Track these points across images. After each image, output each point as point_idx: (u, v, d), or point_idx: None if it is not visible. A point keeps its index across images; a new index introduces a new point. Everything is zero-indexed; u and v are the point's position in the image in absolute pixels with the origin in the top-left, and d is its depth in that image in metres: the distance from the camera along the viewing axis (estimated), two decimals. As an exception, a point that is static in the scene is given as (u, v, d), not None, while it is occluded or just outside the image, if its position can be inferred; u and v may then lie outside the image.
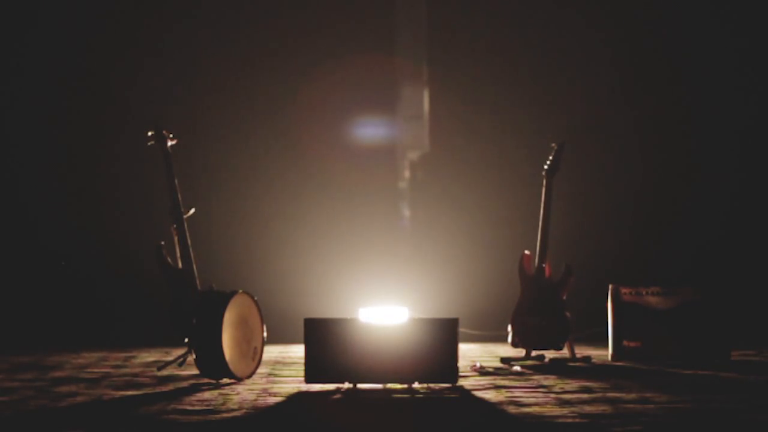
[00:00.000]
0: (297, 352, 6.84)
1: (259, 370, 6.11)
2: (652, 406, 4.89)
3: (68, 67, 8.49)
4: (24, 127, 8.50)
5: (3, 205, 8.46)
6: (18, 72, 8.50)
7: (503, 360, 6.64)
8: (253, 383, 5.83)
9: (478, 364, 6.44)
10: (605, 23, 8.50)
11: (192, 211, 6.14)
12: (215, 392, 5.51)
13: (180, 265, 6.03)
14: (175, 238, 6.06)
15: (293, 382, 5.85)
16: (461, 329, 5.82)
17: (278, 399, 5.29)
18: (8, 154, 8.50)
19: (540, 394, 5.30)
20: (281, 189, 8.50)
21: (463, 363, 6.04)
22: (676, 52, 8.48)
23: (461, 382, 5.68)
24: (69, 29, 8.47)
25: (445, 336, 5.55)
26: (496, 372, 6.24)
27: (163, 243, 6.06)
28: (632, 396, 5.18)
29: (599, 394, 5.24)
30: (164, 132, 6.18)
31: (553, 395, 5.26)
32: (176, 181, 6.12)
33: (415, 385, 5.52)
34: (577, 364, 6.58)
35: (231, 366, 5.79)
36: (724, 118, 8.46)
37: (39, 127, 8.49)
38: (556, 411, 4.77)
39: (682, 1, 8.46)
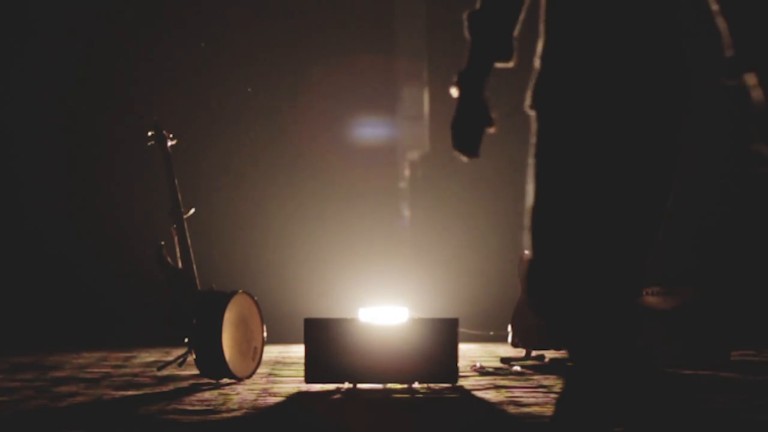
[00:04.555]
0: (297, 352, 6.84)
1: (259, 370, 6.11)
2: (652, 406, 4.88)
3: (68, 67, 8.49)
4: (24, 127, 8.50)
5: (3, 205, 8.46)
6: (17, 72, 8.50)
7: (503, 360, 6.64)
8: (253, 383, 5.83)
9: (478, 364, 6.44)
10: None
11: (192, 211, 6.14)
12: (215, 392, 5.51)
13: (180, 265, 6.03)
14: (175, 238, 6.06)
15: (293, 382, 5.85)
16: (461, 329, 5.81)
17: (278, 399, 5.29)
18: (8, 154, 8.50)
19: (540, 394, 5.30)
20: (281, 189, 8.51)
21: (463, 363, 6.04)
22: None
23: (461, 382, 5.68)
24: (69, 29, 8.47)
25: (445, 336, 5.55)
26: (496, 372, 6.24)
27: (163, 243, 6.06)
28: (632, 396, 5.18)
29: (599, 394, 5.23)
30: (164, 132, 6.18)
31: (553, 395, 5.26)
32: (176, 181, 6.12)
33: (415, 385, 5.52)
34: (577, 364, 6.57)
35: (231, 366, 5.79)
36: (724, 117, 8.45)
37: (39, 127, 8.49)
38: (556, 411, 4.76)
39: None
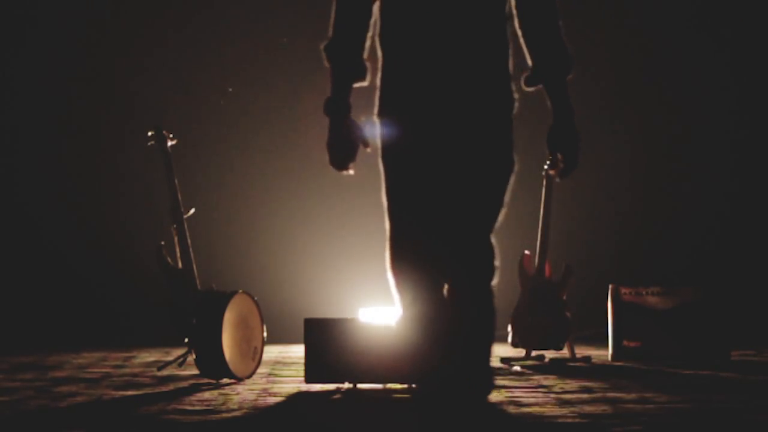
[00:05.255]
0: (297, 352, 6.84)
1: (259, 370, 6.11)
2: (652, 406, 4.89)
3: (69, 67, 8.50)
4: (24, 126, 8.51)
5: (3, 205, 8.46)
6: (19, 72, 8.51)
7: (503, 360, 6.64)
8: (253, 383, 5.83)
9: (478, 364, 6.43)
10: (603, 25, 8.50)
11: (192, 211, 6.14)
12: (215, 392, 5.51)
13: (180, 265, 6.03)
14: (175, 238, 6.06)
15: (293, 382, 5.85)
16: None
17: (278, 399, 5.29)
18: (8, 154, 8.51)
19: (540, 394, 5.30)
20: (281, 189, 8.51)
21: (463, 363, 6.03)
22: (678, 49, 8.49)
23: (461, 382, 5.67)
24: (70, 29, 8.47)
25: (445, 336, 5.54)
26: (496, 372, 6.23)
27: (163, 243, 6.06)
28: (632, 396, 5.18)
29: (599, 394, 5.24)
30: (164, 132, 6.18)
31: (553, 395, 5.25)
32: (176, 181, 6.12)
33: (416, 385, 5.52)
34: (577, 364, 6.58)
35: (231, 366, 5.79)
36: (724, 117, 8.46)
37: (39, 127, 8.50)
38: (556, 411, 4.77)
39: (677, 7, 8.47)
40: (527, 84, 3.86)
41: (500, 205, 3.86)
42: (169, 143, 6.18)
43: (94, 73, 8.51)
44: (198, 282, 6.04)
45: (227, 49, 8.49)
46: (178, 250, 6.05)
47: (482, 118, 3.73)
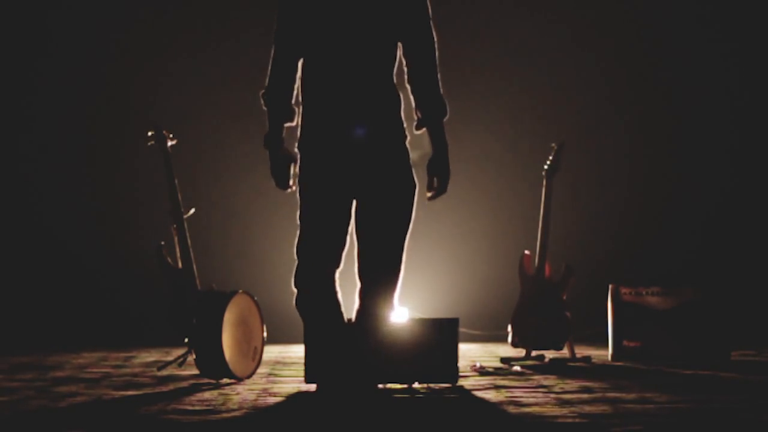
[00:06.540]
0: (297, 352, 6.84)
1: (259, 370, 6.11)
2: (652, 406, 4.89)
3: (69, 67, 8.49)
4: (25, 126, 8.51)
5: (4, 205, 8.46)
6: (19, 72, 8.51)
7: (503, 360, 6.64)
8: (253, 383, 5.83)
9: (478, 364, 6.44)
10: (603, 25, 8.50)
11: (192, 211, 6.14)
12: (215, 392, 5.51)
13: (180, 265, 6.03)
14: (175, 238, 6.06)
15: (293, 382, 5.85)
16: (461, 329, 5.81)
17: (278, 399, 5.29)
18: (8, 154, 8.50)
19: (540, 394, 5.30)
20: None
21: (463, 363, 6.04)
22: (678, 49, 8.49)
23: (461, 382, 5.68)
24: (70, 30, 8.47)
25: (445, 336, 5.55)
26: (496, 372, 6.24)
27: (163, 243, 6.06)
28: (632, 396, 5.18)
29: (599, 394, 5.24)
30: (164, 132, 6.18)
31: (553, 395, 5.26)
32: (176, 181, 6.13)
33: (415, 385, 5.52)
34: (577, 364, 6.58)
35: (231, 366, 5.79)
36: (724, 117, 8.46)
37: (40, 127, 8.50)
38: (556, 411, 4.77)
39: (675, 7, 8.46)
40: (416, 129, 4.57)
41: (406, 220, 4.51)
42: (169, 143, 6.19)
43: (94, 73, 8.51)
44: (198, 282, 6.04)
45: (228, 48, 8.48)
46: (178, 250, 6.05)
47: (379, 147, 4.46)
